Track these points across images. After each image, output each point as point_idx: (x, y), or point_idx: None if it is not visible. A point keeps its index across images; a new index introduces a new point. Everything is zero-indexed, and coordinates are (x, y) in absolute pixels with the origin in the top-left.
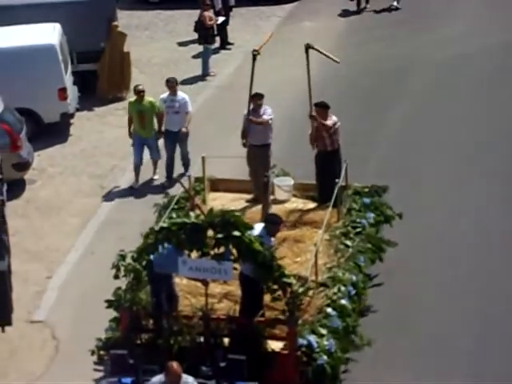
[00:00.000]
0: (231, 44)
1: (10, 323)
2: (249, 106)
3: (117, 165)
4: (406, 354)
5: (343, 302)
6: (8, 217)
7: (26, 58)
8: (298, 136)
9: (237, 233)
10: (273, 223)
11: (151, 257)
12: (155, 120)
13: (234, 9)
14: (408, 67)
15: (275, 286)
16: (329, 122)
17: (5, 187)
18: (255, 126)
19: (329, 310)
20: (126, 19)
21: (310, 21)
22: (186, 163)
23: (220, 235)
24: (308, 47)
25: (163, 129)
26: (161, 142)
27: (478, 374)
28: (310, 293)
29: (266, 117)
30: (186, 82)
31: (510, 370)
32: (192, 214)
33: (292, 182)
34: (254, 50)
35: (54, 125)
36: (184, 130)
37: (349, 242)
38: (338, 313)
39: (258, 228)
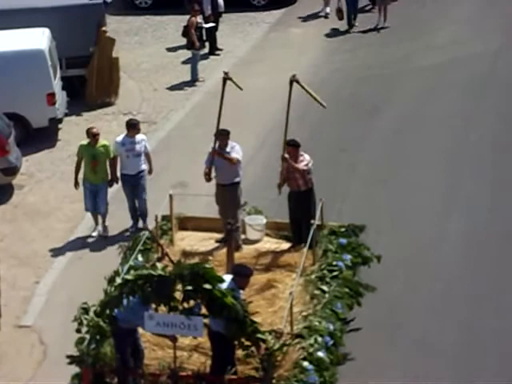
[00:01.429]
0: (220, 50)
1: None
2: (215, 143)
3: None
4: (394, 364)
5: (320, 354)
6: None
7: (14, 63)
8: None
9: (207, 286)
10: (242, 276)
11: (115, 311)
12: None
13: (223, 14)
14: (397, 74)
15: (248, 343)
16: (301, 166)
17: None
18: (222, 164)
19: (305, 363)
20: (115, 24)
21: (298, 27)
22: (144, 212)
23: (189, 288)
24: (293, 81)
25: (119, 174)
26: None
27: (468, 376)
28: (286, 349)
29: (234, 155)
30: (174, 87)
31: (499, 376)
32: (159, 264)
33: (264, 221)
34: (225, 73)
35: (42, 130)
36: (151, 173)
37: (325, 287)
38: (315, 367)
39: (226, 280)
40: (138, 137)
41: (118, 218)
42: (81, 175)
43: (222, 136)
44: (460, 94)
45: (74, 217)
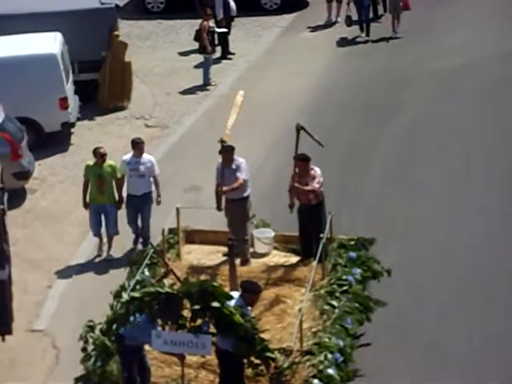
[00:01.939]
0: (232, 54)
1: (10, 332)
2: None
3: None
4: (404, 368)
5: (330, 371)
6: (8, 226)
7: (27, 67)
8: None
9: (216, 304)
10: (251, 292)
11: (121, 329)
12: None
13: (235, 19)
14: (408, 78)
15: (258, 361)
16: (314, 185)
17: (5, 196)
18: (231, 180)
19: (315, 381)
20: (127, 29)
21: (310, 31)
22: (145, 236)
23: (197, 306)
24: (299, 128)
25: (124, 195)
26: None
27: (477, 379)
28: (295, 367)
29: (241, 176)
30: (187, 91)
31: (510, 375)
32: (166, 282)
33: (272, 234)
34: (222, 141)
35: (54, 134)
36: (159, 199)
37: (335, 303)
38: None
39: (234, 296)
40: (145, 158)
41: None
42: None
43: (227, 152)
44: (472, 97)
45: (87, 221)
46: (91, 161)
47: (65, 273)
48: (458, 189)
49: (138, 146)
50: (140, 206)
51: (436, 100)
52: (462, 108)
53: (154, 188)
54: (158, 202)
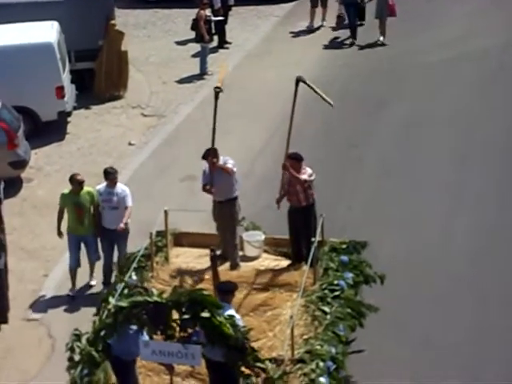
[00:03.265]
0: (229, 43)
1: (6, 321)
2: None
3: (114, 163)
4: (400, 363)
5: (322, 380)
6: (5, 215)
7: (23, 56)
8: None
9: (205, 314)
10: (225, 292)
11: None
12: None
13: (232, 8)
14: (405, 69)
15: (248, 371)
16: (303, 177)
17: (2, 185)
18: (219, 180)
19: None
20: (123, 18)
21: (306, 21)
22: (105, 275)
23: (186, 316)
24: (299, 80)
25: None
26: None
27: (475, 377)
28: (286, 377)
29: (229, 165)
30: (183, 80)
31: (507, 372)
32: (155, 290)
33: (263, 237)
34: (216, 87)
35: (51, 123)
36: (122, 225)
37: (326, 308)
38: None
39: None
40: (119, 188)
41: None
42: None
43: (212, 154)
44: (468, 89)
45: None
46: (67, 189)
47: (61, 262)
48: (454, 179)
49: (110, 176)
50: (115, 239)
51: (432, 91)
52: (458, 100)
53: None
54: (123, 228)
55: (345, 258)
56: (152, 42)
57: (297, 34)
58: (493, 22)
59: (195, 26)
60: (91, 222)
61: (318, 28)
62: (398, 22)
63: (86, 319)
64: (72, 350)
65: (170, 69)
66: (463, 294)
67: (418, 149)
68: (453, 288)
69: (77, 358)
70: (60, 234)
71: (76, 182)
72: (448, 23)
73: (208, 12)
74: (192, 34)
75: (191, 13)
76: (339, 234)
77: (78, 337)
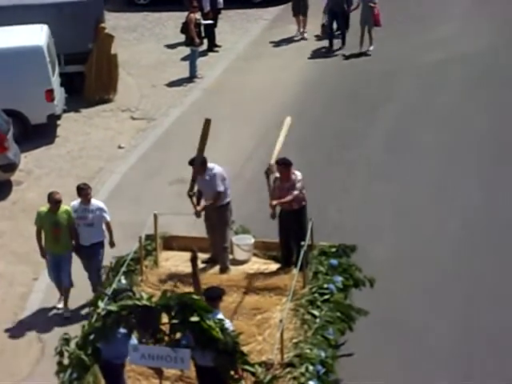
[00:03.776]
0: (219, 46)
1: None
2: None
3: (103, 167)
4: (392, 362)
5: (312, 383)
6: None
7: (13, 60)
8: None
9: (195, 318)
10: (213, 299)
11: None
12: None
13: (222, 11)
14: (397, 70)
15: (238, 375)
16: (291, 197)
17: None
18: (206, 188)
19: None
20: (113, 21)
21: (295, 24)
22: (93, 288)
23: (176, 320)
24: (268, 173)
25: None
26: None
27: (465, 375)
28: (276, 381)
29: (218, 188)
30: (173, 84)
31: (497, 371)
32: (144, 294)
33: (252, 241)
34: (207, 118)
35: (40, 126)
36: (113, 244)
37: (316, 312)
38: None
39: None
40: (94, 204)
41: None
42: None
43: (200, 167)
44: (460, 90)
45: None
46: (44, 207)
47: None
48: (444, 182)
49: (83, 192)
50: (89, 256)
51: (424, 92)
52: (450, 100)
53: (106, 235)
54: (112, 245)
55: (334, 261)
56: (142, 46)
57: (286, 38)
58: (481, 24)
59: (185, 29)
60: (68, 241)
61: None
62: (387, 26)
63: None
64: (61, 353)
65: (160, 72)
66: (454, 295)
67: (408, 151)
68: (443, 289)
69: (66, 361)
70: (44, 254)
71: (53, 201)
72: (438, 25)
73: (198, 15)
74: (182, 38)
75: (181, 16)
76: (329, 237)
77: (67, 341)
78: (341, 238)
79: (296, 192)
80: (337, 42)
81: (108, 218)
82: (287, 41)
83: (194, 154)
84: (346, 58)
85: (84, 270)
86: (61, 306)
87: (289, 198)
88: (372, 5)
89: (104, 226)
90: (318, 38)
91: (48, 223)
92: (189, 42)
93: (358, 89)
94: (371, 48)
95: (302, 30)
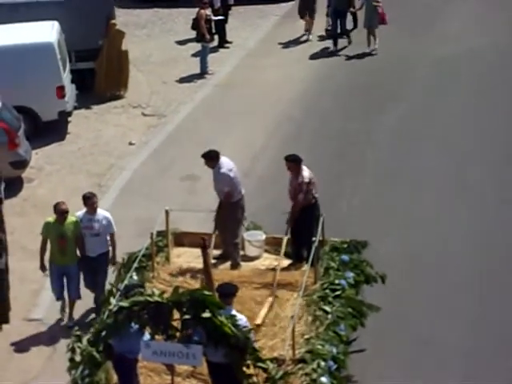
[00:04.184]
0: (230, 42)
1: (7, 321)
2: None
3: (114, 163)
4: (400, 363)
5: (323, 379)
6: (5, 215)
7: (24, 56)
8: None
9: (207, 314)
10: (226, 295)
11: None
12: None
13: (232, 7)
14: (406, 67)
15: (250, 371)
16: (299, 203)
17: (2, 185)
18: (215, 183)
19: None
20: (124, 17)
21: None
22: (96, 304)
23: (187, 316)
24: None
25: (78, 253)
26: None
27: (475, 376)
28: (288, 377)
29: (224, 188)
30: (183, 80)
31: (501, 371)
32: (156, 290)
33: (263, 237)
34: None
35: (51, 123)
36: (115, 261)
37: (327, 308)
38: None
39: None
40: (100, 214)
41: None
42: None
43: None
44: (470, 87)
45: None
46: (51, 217)
47: None
48: (454, 179)
49: (89, 201)
50: (96, 268)
51: (434, 89)
52: (460, 98)
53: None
54: (113, 263)
55: (346, 257)
56: (152, 42)
57: (296, 34)
58: (494, 19)
59: (196, 25)
60: (74, 252)
61: (306, 40)
62: (395, 24)
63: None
64: (73, 350)
65: (171, 68)
66: (463, 293)
67: (418, 149)
68: (453, 287)
69: (78, 358)
70: (43, 268)
71: (59, 212)
72: (447, 21)
73: (208, 11)
74: (192, 34)
75: (191, 12)
76: (340, 233)
77: (78, 337)
78: (351, 235)
79: (301, 196)
80: (342, 42)
81: (114, 229)
82: (297, 37)
83: (204, 150)
84: (351, 57)
85: (85, 286)
86: (71, 324)
87: (294, 208)
88: (376, 3)
89: (110, 236)
90: (322, 38)
91: (54, 234)
92: (199, 38)
93: (367, 86)
94: (376, 46)
95: (308, 31)
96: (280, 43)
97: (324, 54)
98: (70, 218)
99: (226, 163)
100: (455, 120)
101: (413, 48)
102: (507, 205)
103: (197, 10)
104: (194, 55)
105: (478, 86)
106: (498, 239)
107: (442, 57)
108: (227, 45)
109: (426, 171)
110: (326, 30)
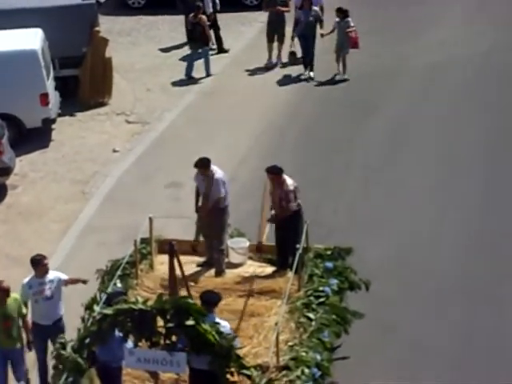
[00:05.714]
0: (226, 51)
1: None
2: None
3: (98, 170)
4: (388, 365)
5: None
6: None
7: (7, 63)
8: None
9: (190, 322)
10: (210, 304)
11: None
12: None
13: (217, 14)
14: (390, 74)
15: (234, 378)
16: (292, 208)
17: None
18: (202, 189)
19: None
20: (107, 24)
21: (290, 26)
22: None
23: (171, 324)
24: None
25: (30, 322)
26: None
27: (463, 378)
28: None
29: (219, 193)
30: (167, 87)
31: (495, 373)
32: (140, 298)
33: (247, 244)
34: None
35: (35, 130)
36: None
37: (311, 315)
38: None
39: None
40: (50, 276)
41: None
42: None
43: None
44: (454, 93)
45: (68, 217)
46: None
47: None
48: (440, 183)
49: (40, 263)
50: (52, 336)
51: (418, 96)
52: (444, 103)
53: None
54: (84, 282)
55: (330, 264)
56: (136, 49)
57: None
58: (476, 27)
59: (196, 31)
60: (20, 333)
61: (275, 65)
62: (380, 29)
63: (70, 326)
64: (57, 357)
65: (155, 76)
66: (451, 296)
67: (403, 153)
68: (440, 290)
69: (62, 365)
70: None
71: (1, 291)
72: (430, 29)
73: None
74: (176, 41)
75: (175, 19)
76: (324, 239)
77: (63, 345)
78: (335, 241)
79: (291, 204)
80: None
81: (65, 277)
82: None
83: (190, 158)
84: (320, 84)
85: (36, 356)
86: None
87: (281, 214)
88: (348, 30)
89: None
90: (285, 65)
91: None
92: (201, 44)
93: (352, 92)
94: (346, 76)
95: (276, 59)
96: (264, 50)
97: None
98: (12, 296)
99: (217, 168)
100: (440, 126)
101: (396, 57)
102: (493, 207)
103: (180, 17)
104: (178, 62)
105: (461, 95)
106: (485, 244)
107: (427, 66)
108: (224, 54)
109: (412, 176)
110: (290, 53)
